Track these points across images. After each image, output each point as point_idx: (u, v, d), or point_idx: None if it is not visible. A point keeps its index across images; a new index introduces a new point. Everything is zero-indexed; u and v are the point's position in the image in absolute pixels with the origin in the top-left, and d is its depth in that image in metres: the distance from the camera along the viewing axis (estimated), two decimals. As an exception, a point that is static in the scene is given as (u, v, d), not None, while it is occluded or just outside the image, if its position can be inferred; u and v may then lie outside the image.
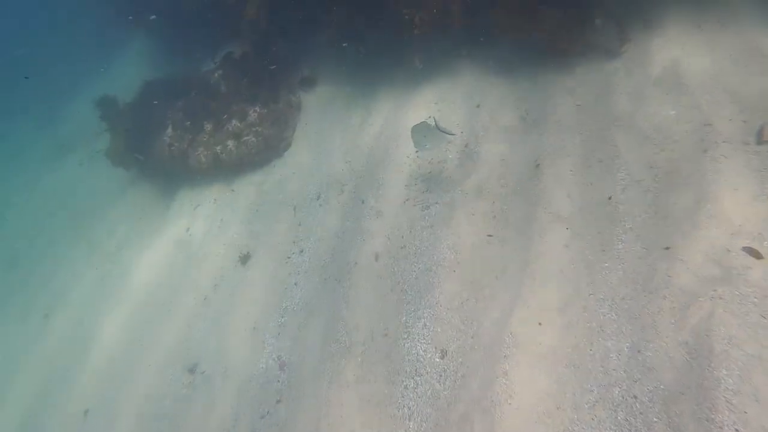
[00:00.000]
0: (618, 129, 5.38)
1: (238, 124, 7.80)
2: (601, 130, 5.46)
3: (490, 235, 5.19)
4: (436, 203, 5.85)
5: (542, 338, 4.23)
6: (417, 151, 5.87)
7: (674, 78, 5.45)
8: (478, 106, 6.66)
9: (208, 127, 7.94)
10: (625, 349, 3.95)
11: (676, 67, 5.54)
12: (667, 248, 4.25)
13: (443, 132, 5.48)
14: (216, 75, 8.51)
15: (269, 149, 7.86)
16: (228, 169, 7.94)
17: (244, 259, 6.88)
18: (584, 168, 5.22)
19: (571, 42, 6.22)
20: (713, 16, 5.66)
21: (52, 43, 16.14)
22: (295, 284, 6.07)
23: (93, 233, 9.94)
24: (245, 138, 7.74)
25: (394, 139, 6.88)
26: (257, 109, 7.87)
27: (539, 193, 5.18)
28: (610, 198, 4.83)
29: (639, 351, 3.87)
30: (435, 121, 5.54)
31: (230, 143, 7.76)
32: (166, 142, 8.11)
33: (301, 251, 6.39)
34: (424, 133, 5.67)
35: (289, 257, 6.43)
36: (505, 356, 4.23)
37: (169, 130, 8.21)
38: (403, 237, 5.73)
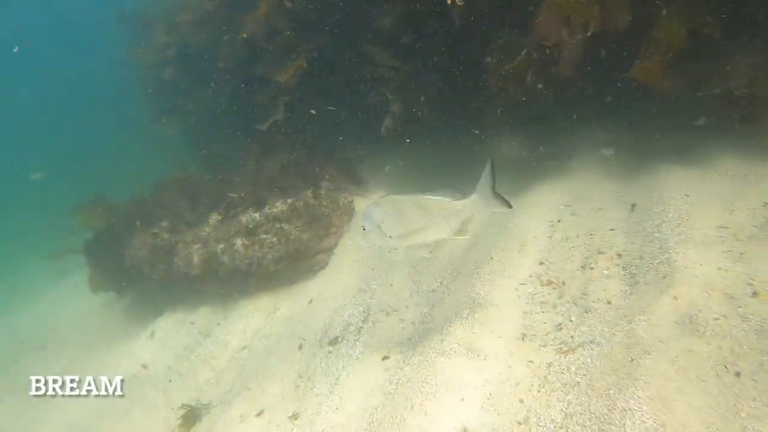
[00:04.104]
0: None
1: (255, 216, 5.57)
2: None
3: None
4: (592, 344, 3.09)
5: None
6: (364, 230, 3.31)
7: None
8: (633, 207, 4.24)
9: (214, 218, 5.75)
10: None
11: None
12: None
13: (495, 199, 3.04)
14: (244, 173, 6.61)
15: (296, 259, 5.46)
16: (229, 280, 5.51)
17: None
18: None
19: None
20: None
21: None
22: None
23: (45, 369, 7.37)
24: (262, 236, 5.44)
25: (498, 247, 4.39)
26: (288, 199, 5.70)
27: None
28: None
29: None
30: (491, 165, 3.04)
31: (238, 241, 5.45)
32: (151, 232, 5.90)
33: None
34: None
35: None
36: None
37: (164, 223, 6.08)
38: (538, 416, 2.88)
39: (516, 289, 3.81)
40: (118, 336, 6.90)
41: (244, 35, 5.97)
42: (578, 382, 2.88)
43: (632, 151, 5.01)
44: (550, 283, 3.82)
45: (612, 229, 4.15)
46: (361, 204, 6.29)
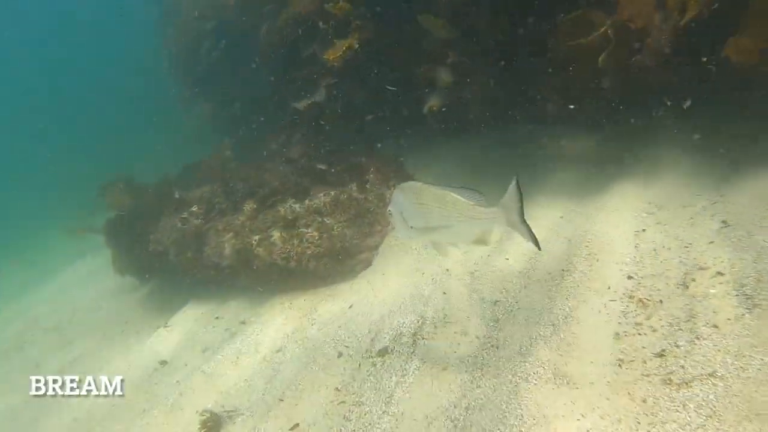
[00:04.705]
0: None
1: (296, 207, 5.12)
2: None
3: None
4: (713, 378, 2.58)
5: None
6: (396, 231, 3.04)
7: None
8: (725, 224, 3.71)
9: (250, 206, 5.32)
10: None
11: None
12: None
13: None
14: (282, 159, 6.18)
15: (338, 258, 5.00)
16: (264, 275, 5.07)
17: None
18: None
19: None
20: None
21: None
22: None
23: (58, 355, 7.01)
24: (302, 230, 4.99)
25: (577, 256, 3.89)
26: (331, 191, 5.25)
27: None
28: None
29: None
30: (516, 184, 2.64)
31: (276, 234, 5.00)
32: (180, 217, 5.48)
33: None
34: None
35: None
36: None
37: (194, 208, 5.66)
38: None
39: (605, 306, 3.30)
40: (136, 325, 6.49)
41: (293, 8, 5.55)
42: (703, 425, 2.37)
43: (726, 150, 4.47)
44: (643, 301, 3.31)
45: (712, 242, 3.63)
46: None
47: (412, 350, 3.67)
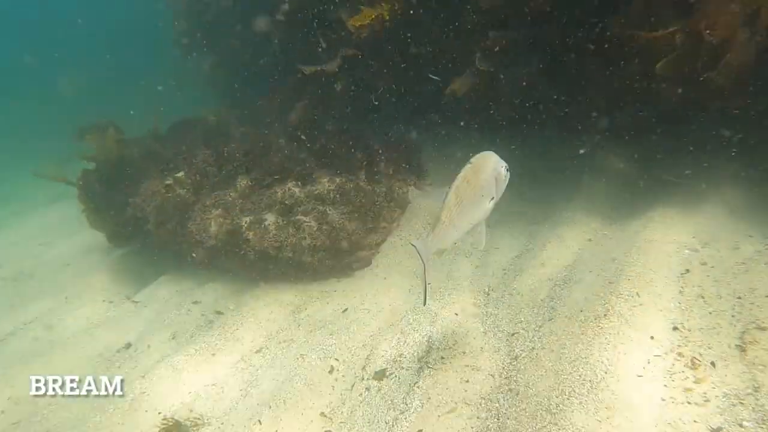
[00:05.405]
0: None
1: (295, 191, 4.59)
2: None
3: None
4: None
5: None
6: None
7: None
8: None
9: (243, 182, 4.77)
10: None
11: None
12: None
13: None
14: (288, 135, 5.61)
15: (335, 253, 4.50)
16: (251, 262, 4.54)
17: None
18: None
19: None
20: None
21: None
22: None
23: (5, 315, 6.43)
24: (300, 218, 4.46)
25: (614, 294, 3.42)
26: (336, 178, 4.72)
27: None
28: None
29: None
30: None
31: (270, 218, 4.48)
32: (165, 183, 4.92)
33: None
34: None
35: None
36: None
37: (180, 174, 5.09)
38: None
39: (648, 362, 2.85)
40: (102, 293, 5.91)
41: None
42: None
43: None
44: (693, 360, 2.86)
45: (768, 297, 3.19)
46: (418, 198, 5.32)
47: (415, 380, 3.20)
